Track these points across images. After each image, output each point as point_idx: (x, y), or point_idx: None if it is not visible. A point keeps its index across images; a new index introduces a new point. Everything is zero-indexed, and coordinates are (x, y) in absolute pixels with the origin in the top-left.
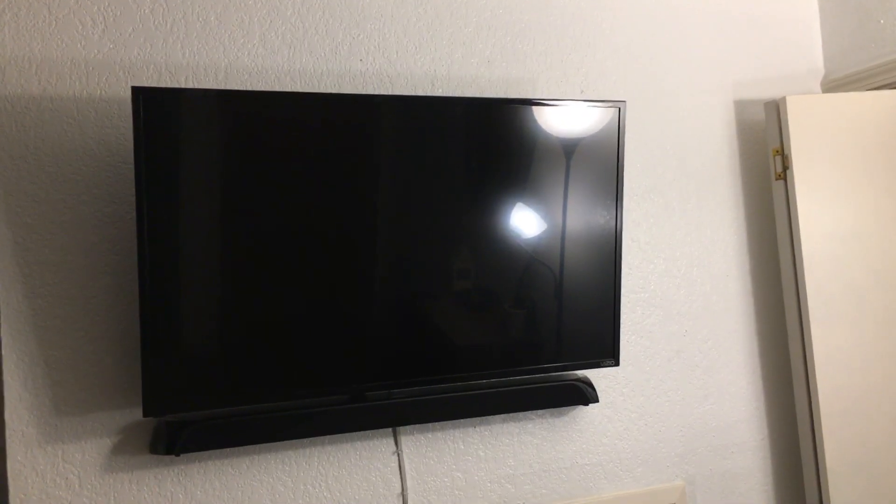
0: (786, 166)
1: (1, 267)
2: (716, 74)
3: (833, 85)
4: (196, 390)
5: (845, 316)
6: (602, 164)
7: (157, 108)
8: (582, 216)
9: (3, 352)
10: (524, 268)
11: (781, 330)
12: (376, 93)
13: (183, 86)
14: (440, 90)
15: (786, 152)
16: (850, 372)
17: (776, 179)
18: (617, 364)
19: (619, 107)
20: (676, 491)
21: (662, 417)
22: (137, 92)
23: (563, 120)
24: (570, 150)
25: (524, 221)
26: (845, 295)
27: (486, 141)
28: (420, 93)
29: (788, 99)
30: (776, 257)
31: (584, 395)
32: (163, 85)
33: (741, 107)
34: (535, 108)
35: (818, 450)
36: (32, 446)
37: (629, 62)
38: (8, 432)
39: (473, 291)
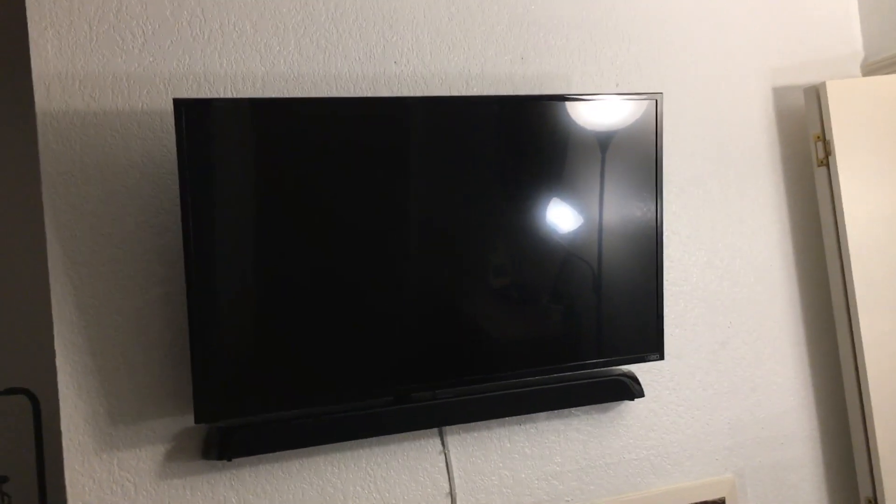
0: (828, 152)
1: (53, 280)
2: (753, 61)
3: (873, 67)
4: (245, 396)
5: (893, 301)
6: (639, 157)
7: (198, 118)
8: (619, 209)
9: (57, 363)
10: (562, 263)
11: (828, 318)
12: (411, 94)
13: (222, 95)
14: (475, 89)
15: (827, 138)
16: None
17: (818, 166)
18: (662, 358)
19: (655, 99)
20: (726, 484)
21: (709, 410)
22: (179, 104)
23: (598, 114)
24: (605, 143)
25: (561, 216)
26: (892, 280)
27: (521, 137)
28: (455, 92)
29: (828, 84)
30: (820, 245)
31: (629, 389)
32: (202, 95)
33: (780, 93)
34: (569, 104)
35: (870, 438)
36: (89, 455)
37: (665, 53)
38: (65, 442)
39: (512, 287)
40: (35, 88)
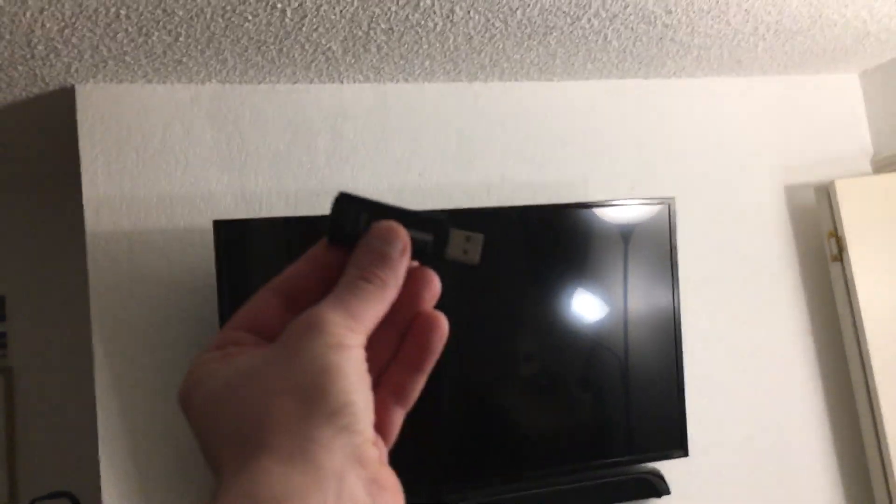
0: (841, 248)
1: (99, 391)
2: (764, 161)
3: (883, 163)
4: None
5: None
6: (657, 254)
7: (235, 236)
8: (643, 302)
9: (101, 470)
10: (589, 351)
11: (852, 410)
12: (435, 206)
13: (257, 211)
14: (495, 197)
15: (840, 234)
16: None
17: (832, 261)
18: (686, 455)
19: (668, 203)
20: None
21: None
22: (218, 225)
23: (616, 215)
24: (627, 235)
25: (587, 306)
26: None
27: (543, 238)
28: (477, 200)
29: (838, 182)
30: (839, 339)
31: (655, 487)
32: (239, 211)
33: (792, 192)
34: (586, 210)
35: None
36: None
37: (677, 156)
38: None
39: (542, 374)
40: (85, 211)
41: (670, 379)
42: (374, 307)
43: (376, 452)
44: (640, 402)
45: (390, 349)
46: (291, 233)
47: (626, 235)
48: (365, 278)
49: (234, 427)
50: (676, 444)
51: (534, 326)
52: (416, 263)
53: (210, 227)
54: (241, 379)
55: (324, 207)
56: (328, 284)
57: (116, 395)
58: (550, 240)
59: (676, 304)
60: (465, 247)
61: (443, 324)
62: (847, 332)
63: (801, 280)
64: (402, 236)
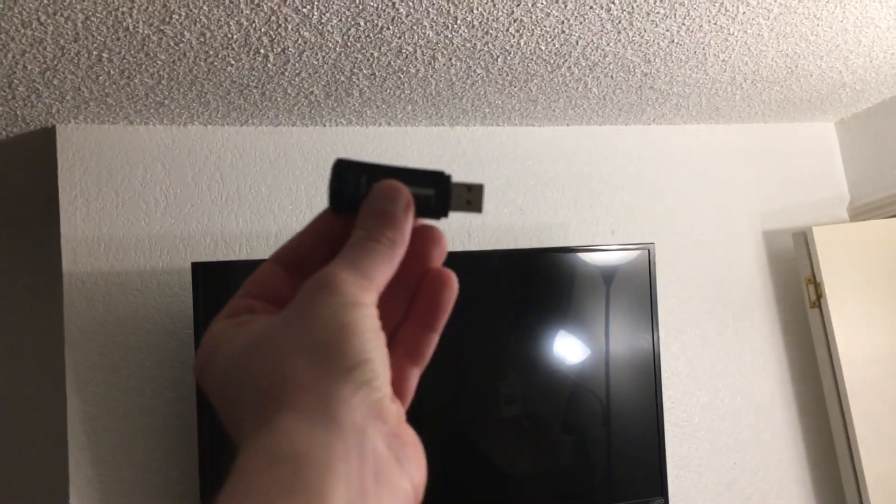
0: (819, 294)
1: (71, 435)
2: (743, 207)
3: (859, 210)
4: None
5: (893, 438)
6: (637, 299)
7: (213, 278)
8: (624, 345)
9: None
10: (570, 393)
11: (831, 455)
12: None
13: (237, 253)
14: (476, 240)
15: (818, 280)
16: None
17: (811, 307)
18: (666, 501)
19: (647, 248)
20: None
21: None
22: (197, 267)
23: (596, 260)
24: (608, 279)
25: (569, 348)
26: (892, 416)
27: (524, 282)
28: (458, 244)
29: (815, 229)
30: (819, 384)
31: None
32: (219, 253)
33: (770, 237)
34: (567, 255)
35: None
36: None
37: (657, 200)
38: None
39: (523, 417)
40: (63, 251)
41: (650, 423)
42: (384, 266)
43: (396, 408)
44: (620, 446)
45: (401, 309)
46: None
47: (607, 279)
48: (372, 238)
49: (253, 389)
50: (656, 490)
51: (516, 368)
52: (421, 221)
53: (189, 268)
54: (257, 343)
55: None
56: (333, 252)
57: (88, 443)
58: (532, 283)
59: (656, 349)
60: (468, 197)
61: (452, 280)
62: (826, 377)
63: (780, 325)
64: (405, 193)
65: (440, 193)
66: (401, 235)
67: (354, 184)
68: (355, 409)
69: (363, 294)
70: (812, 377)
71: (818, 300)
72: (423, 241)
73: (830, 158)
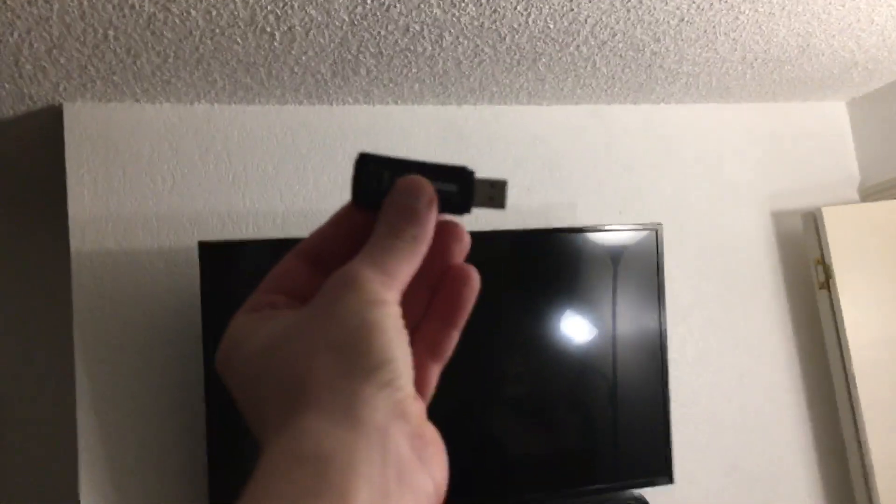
0: (828, 276)
1: (80, 414)
2: (752, 187)
3: (870, 191)
4: None
5: None
6: (645, 280)
7: (220, 258)
8: (631, 326)
9: (80, 497)
10: (578, 374)
11: (838, 437)
12: None
13: (244, 232)
14: (483, 220)
15: (827, 262)
16: None
17: (819, 289)
18: (671, 482)
19: (655, 229)
20: None
21: None
22: (203, 246)
23: (604, 240)
24: (615, 260)
25: (577, 328)
26: None
27: (532, 262)
28: (465, 224)
29: (825, 210)
30: (826, 366)
31: None
32: (226, 232)
33: (779, 218)
34: (575, 235)
35: None
36: None
37: (665, 181)
38: None
39: (528, 397)
40: (71, 231)
41: (656, 404)
42: (407, 263)
43: (418, 408)
44: (626, 427)
45: (422, 305)
46: (278, 255)
47: (615, 259)
48: (395, 235)
49: (276, 386)
50: (662, 471)
51: (522, 348)
52: (443, 216)
53: (196, 247)
54: (280, 339)
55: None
56: (356, 247)
57: (97, 421)
58: (539, 263)
59: (663, 330)
60: (491, 193)
61: (474, 277)
62: (834, 359)
63: (788, 306)
64: (428, 189)
65: (463, 189)
66: (424, 232)
67: (377, 178)
68: (378, 409)
69: (386, 292)
70: (820, 359)
71: (827, 282)
72: (445, 236)
73: (841, 138)
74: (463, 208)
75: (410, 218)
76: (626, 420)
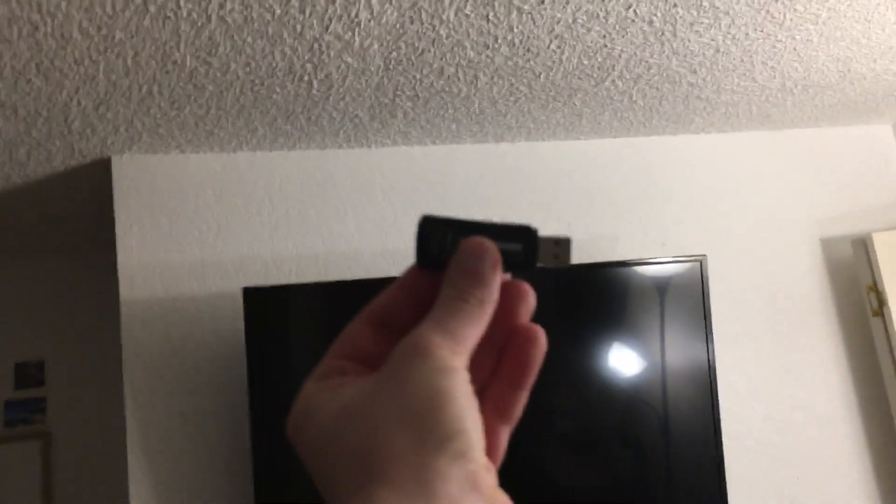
0: (881, 302)
1: (131, 459)
2: (798, 214)
3: None
4: None
5: None
6: (691, 311)
7: (264, 303)
8: (679, 358)
9: None
10: (626, 407)
11: None
12: None
13: (286, 275)
14: None
15: (879, 288)
16: None
17: (873, 316)
18: None
19: (700, 261)
20: None
21: None
22: (248, 292)
23: (648, 273)
24: (661, 292)
25: (624, 362)
26: None
27: (576, 296)
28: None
29: (875, 236)
30: (884, 394)
31: None
32: (269, 275)
33: (828, 244)
34: (619, 269)
35: None
36: None
37: (708, 210)
38: None
39: (577, 431)
40: (120, 278)
41: (707, 436)
42: (474, 327)
43: (491, 479)
44: (679, 460)
45: (489, 366)
46: (320, 298)
47: (661, 291)
48: (462, 298)
49: (347, 457)
50: None
51: (572, 383)
52: (508, 276)
53: (240, 293)
54: (351, 409)
55: (353, 272)
56: (422, 310)
57: (148, 466)
58: (583, 298)
59: (712, 361)
60: (556, 251)
61: (541, 337)
62: (891, 387)
63: (841, 335)
64: (493, 251)
65: (527, 249)
66: (489, 294)
67: (440, 240)
68: (451, 482)
69: (455, 358)
70: (876, 388)
71: (880, 308)
72: (510, 296)
73: (887, 162)
74: (528, 267)
75: (476, 281)
76: (678, 453)
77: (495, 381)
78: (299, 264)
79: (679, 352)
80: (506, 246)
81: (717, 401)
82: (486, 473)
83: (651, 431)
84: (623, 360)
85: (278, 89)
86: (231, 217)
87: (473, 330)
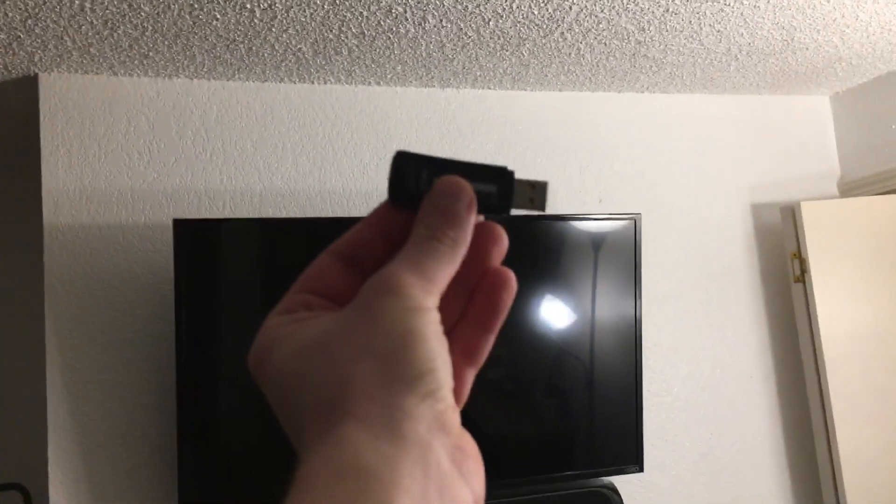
0: (804, 269)
1: (50, 387)
2: (732, 179)
3: (849, 187)
4: (228, 499)
5: (870, 415)
6: (623, 268)
7: (195, 236)
8: (609, 313)
9: (49, 464)
10: (555, 358)
11: (807, 430)
12: None
13: (221, 210)
14: None
15: (803, 256)
16: (877, 471)
17: (795, 282)
18: (641, 470)
19: (634, 219)
20: None
21: None
22: (178, 223)
23: (584, 228)
24: (595, 248)
25: (556, 313)
26: (868, 394)
27: (511, 247)
28: None
29: (803, 204)
30: (798, 358)
31: (609, 501)
32: (202, 210)
33: (758, 210)
34: (556, 222)
35: None
36: None
37: (645, 171)
38: None
39: (507, 379)
40: (44, 203)
41: (629, 392)
42: (446, 267)
43: (458, 419)
44: (600, 414)
45: (458, 308)
46: (254, 234)
47: (595, 248)
48: (435, 238)
49: (314, 393)
50: (632, 459)
51: (502, 331)
52: (481, 218)
53: (171, 224)
54: (318, 344)
55: (288, 210)
56: (392, 247)
57: (67, 395)
58: (520, 249)
59: (639, 318)
60: (531, 195)
61: (512, 281)
62: (806, 353)
63: (764, 298)
64: (468, 191)
65: (502, 190)
66: (463, 235)
67: (415, 178)
68: (420, 421)
69: (426, 298)
70: (793, 353)
71: (802, 275)
72: (483, 238)
73: (823, 133)
74: (502, 210)
75: (450, 220)
76: (600, 407)
77: (464, 323)
78: (233, 199)
79: (609, 307)
80: (481, 187)
81: (641, 357)
82: (454, 414)
83: (577, 384)
84: (554, 313)
85: (219, 15)
86: (164, 145)
87: (446, 270)
